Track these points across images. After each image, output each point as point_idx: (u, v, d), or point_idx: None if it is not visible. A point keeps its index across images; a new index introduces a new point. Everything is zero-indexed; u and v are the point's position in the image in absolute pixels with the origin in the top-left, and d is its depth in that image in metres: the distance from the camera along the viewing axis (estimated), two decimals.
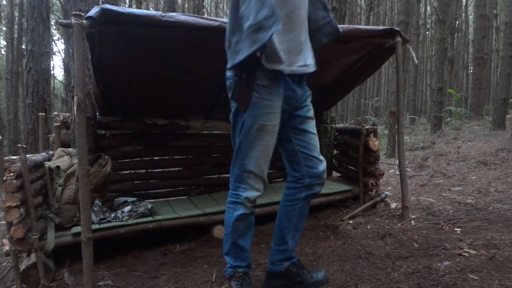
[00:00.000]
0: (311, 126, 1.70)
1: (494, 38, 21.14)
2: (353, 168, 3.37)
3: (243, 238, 1.63)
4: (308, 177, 1.67)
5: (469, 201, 3.04)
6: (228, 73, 1.57)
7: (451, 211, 2.80)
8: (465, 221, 2.53)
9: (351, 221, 2.76)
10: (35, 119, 5.03)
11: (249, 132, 1.53)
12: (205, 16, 5.61)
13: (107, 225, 2.30)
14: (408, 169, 4.60)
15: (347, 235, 2.44)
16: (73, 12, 1.73)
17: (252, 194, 1.60)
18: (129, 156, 3.27)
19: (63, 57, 14.81)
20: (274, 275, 1.72)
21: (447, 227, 2.43)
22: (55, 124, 2.87)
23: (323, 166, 1.69)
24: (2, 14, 15.50)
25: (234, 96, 1.54)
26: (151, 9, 17.74)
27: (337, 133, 3.71)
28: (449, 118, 9.00)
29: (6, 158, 2.04)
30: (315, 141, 1.70)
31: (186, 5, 18.72)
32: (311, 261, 2.05)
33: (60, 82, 18.56)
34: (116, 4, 3.40)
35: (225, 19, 2.00)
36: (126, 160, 3.28)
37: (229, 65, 1.54)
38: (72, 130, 2.90)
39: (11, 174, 1.88)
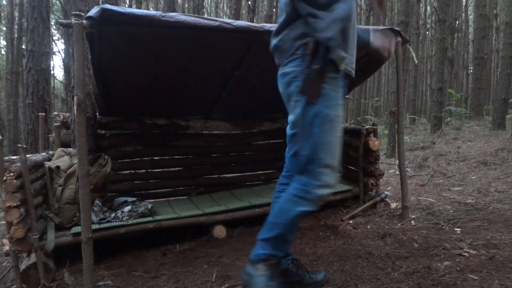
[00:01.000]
0: None
1: (494, 38, 21.14)
2: (353, 168, 3.37)
3: (293, 232, 1.63)
4: None
5: (469, 201, 3.04)
6: (288, 69, 1.54)
7: (451, 211, 2.80)
8: (465, 221, 2.53)
9: (351, 221, 2.76)
10: (35, 119, 5.03)
11: (324, 124, 1.49)
12: (205, 16, 5.61)
13: (107, 225, 2.30)
14: (408, 169, 4.60)
15: (347, 235, 2.44)
16: (73, 12, 1.73)
17: (326, 192, 1.53)
18: (129, 156, 3.27)
19: (63, 57, 14.82)
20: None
21: (447, 227, 2.43)
22: (55, 124, 2.87)
23: None
24: (2, 14, 15.50)
25: (304, 89, 1.49)
26: (151, 9, 17.74)
27: None
28: (449, 118, 9.00)
29: (6, 158, 2.04)
30: None
31: (186, 5, 18.73)
32: (311, 261, 2.05)
33: (60, 82, 18.56)
34: (116, 4, 3.40)
35: (225, 19, 1.99)
36: (126, 160, 3.28)
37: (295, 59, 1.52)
38: (72, 130, 2.90)
39: (11, 174, 1.88)
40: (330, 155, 1.51)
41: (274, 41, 1.61)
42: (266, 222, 1.60)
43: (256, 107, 3.55)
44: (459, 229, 2.37)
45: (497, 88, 9.34)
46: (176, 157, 3.48)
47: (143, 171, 3.36)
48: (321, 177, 1.50)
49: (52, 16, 14.08)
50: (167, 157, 3.44)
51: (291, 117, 1.63)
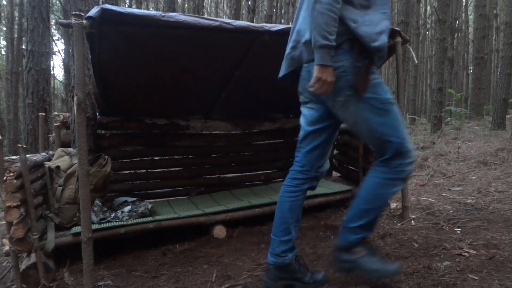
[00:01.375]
0: None
1: (494, 38, 21.14)
2: (353, 168, 3.37)
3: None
4: (315, 171, 1.74)
5: (469, 201, 3.04)
6: (337, 63, 1.52)
7: (451, 211, 2.80)
8: (465, 221, 2.53)
9: None
10: (35, 119, 5.03)
11: (386, 110, 1.56)
12: (205, 16, 5.61)
13: (107, 225, 2.30)
14: None
15: None
16: (73, 12, 1.73)
17: (412, 168, 1.64)
18: (129, 156, 3.27)
19: (63, 57, 14.81)
20: (277, 268, 1.70)
21: (447, 227, 2.43)
22: (55, 124, 2.87)
23: (328, 164, 1.82)
24: (2, 14, 15.50)
25: (354, 83, 1.52)
26: (151, 9, 17.74)
27: (337, 133, 3.70)
28: (449, 118, 8.99)
29: (6, 158, 2.04)
30: None
31: (186, 5, 18.73)
32: (311, 261, 2.05)
33: (60, 82, 18.56)
34: (116, 4, 3.41)
35: (225, 19, 1.99)
36: (126, 160, 3.28)
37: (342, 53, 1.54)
38: (72, 130, 2.90)
39: (11, 174, 1.88)
40: (405, 134, 1.60)
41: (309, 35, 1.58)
42: (355, 209, 1.67)
43: (256, 107, 3.55)
44: (459, 229, 2.37)
45: (497, 88, 9.34)
46: (176, 157, 3.48)
47: (143, 171, 3.36)
48: (407, 154, 1.59)
49: (52, 16, 14.08)
50: (167, 157, 3.44)
51: (312, 115, 1.71)
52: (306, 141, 1.76)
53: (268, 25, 2.20)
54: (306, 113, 1.75)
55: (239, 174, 3.81)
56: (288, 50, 1.73)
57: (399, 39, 2.58)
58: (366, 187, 1.68)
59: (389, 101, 1.58)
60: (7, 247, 2.04)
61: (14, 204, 1.87)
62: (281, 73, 1.77)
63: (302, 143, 1.78)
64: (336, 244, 1.73)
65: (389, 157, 1.60)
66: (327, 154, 1.79)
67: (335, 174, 3.80)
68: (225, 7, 22.23)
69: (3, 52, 18.66)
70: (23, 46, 11.01)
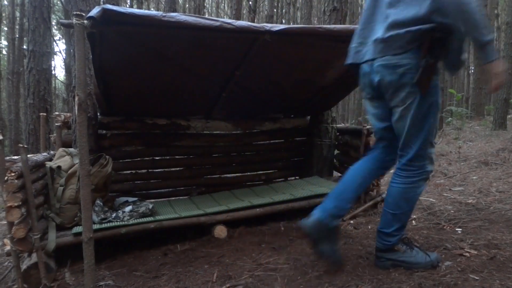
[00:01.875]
0: None
1: (495, 38, 21.10)
2: None
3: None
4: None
5: (470, 201, 3.04)
6: (402, 60, 1.62)
7: (452, 211, 2.79)
8: (466, 221, 2.52)
9: (352, 221, 2.75)
10: (36, 119, 5.05)
11: (435, 112, 1.69)
12: (206, 16, 5.61)
13: (108, 225, 2.30)
14: None
15: (348, 235, 2.44)
16: (74, 12, 1.73)
17: (432, 168, 1.78)
18: (130, 156, 3.28)
19: (64, 57, 14.82)
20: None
21: (448, 227, 2.43)
22: (56, 124, 2.87)
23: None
24: (4, 14, 15.51)
25: (420, 81, 1.61)
26: (152, 9, 17.75)
27: (338, 133, 3.71)
28: (450, 118, 8.96)
29: (8, 158, 2.04)
30: None
31: (187, 5, 18.73)
32: (312, 261, 2.05)
33: (61, 82, 18.58)
34: (117, 4, 3.41)
35: (226, 19, 1.99)
36: (127, 160, 3.28)
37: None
38: (73, 130, 2.90)
39: (13, 174, 1.88)
40: (435, 136, 1.75)
41: (389, 33, 1.65)
42: (388, 215, 1.80)
43: (257, 107, 3.55)
44: (460, 229, 2.37)
45: None
46: (177, 157, 3.48)
47: (144, 171, 3.36)
48: (431, 155, 1.74)
49: (53, 16, 14.09)
50: (168, 157, 3.44)
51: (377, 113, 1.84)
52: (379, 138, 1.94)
53: (269, 25, 2.20)
54: (371, 111, 1.90)
55: (239, 174, 3.81)
56: (354, 43, 1.86)
57: None
58: (392, 195, 1.80)
59: (439, 104, 1.70)
60: (8, 247, 2.04)
61: (15, 204, 1.87)
62: (348, 61, 1.90)
63: (379, 142, 1.94)
64: (376, 247, 1.86)
65: (411, 157, 1.72)
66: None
67: (336, 174, 3.80)
68: (226, 7, 22.23)
69: (4, 52, 18.68)
70: (24, 46, 11.03)
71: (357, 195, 1.92)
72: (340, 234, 1.90)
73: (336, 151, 3.77)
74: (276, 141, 3.89)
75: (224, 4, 22.76)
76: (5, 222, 2.04)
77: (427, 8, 1.55)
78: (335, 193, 1.87)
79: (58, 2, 14.72)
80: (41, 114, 3.20)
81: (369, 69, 1.75)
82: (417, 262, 1.78)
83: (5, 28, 16.44)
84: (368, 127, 3.12)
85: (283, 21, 16.12)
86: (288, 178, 3.93)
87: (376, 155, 1.93)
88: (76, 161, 2.41)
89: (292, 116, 3.87)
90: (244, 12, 15.05)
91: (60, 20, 2.47)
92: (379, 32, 1.69)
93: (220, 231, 2.57)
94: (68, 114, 3.01)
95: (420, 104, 1.65)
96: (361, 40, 1.81)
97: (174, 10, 9.39)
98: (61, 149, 2.57)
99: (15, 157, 2.09)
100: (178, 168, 3.52)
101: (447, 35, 1.57)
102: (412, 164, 1.74)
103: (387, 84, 1.68)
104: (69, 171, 2.40)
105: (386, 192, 1.87)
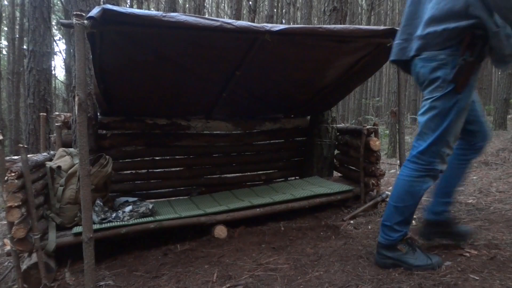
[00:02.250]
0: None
1: None
2: (354, 168, 3.37)
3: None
4: (481, 141, 1.88)
5: (470, 201, 3.04)
6: (439, 55, 1.61)
7: (452, 211, 2.79)
8: (466, 221, 2.52)
9: (352, 221, 2.75)
10: (36, 119, 5.04)
11: (461, 111, 1.65)
12: (206, 16, 5.60)
13: (108, 225, 2.30)
14: None
15: (348, 235, 2.44)
16: (74, 12, 1.73)
17: (445, 167, 1.75)
18: (130, 156, 3.28)
19: (64, 57, 14.82)
20: (433, 223, 1.95)
21: None
22: (56, 124, 2.87)
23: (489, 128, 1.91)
24: (4, 14, 15.50)
25: (456, 78, 1.59)
26: (152, 9, 17.75)
27: (338, 133, 3.71)
28: None
29: (8, 158, 2.04)
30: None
31: (187, 5, 18.73)
32: (312, 261, 2.05)
33: (62, 82, 18.57)
34: (117, 4, 3.41)
35: (226, 19, 1.99)
36: (127, 160, 3.28)
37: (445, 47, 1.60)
38: (73, 130, 2.90)
39: (13, 174, 1.88)
40: (454, 137, 1.71)
41: (427, 30, 1.65)
42: (391, 207, 1.81)
43: (257, 107, 3.55)
44: None
45: (498, 88, 9.32)
46: (177, 157, 3.48)
47: (144, 171, 3.36)
48: (444, 155, 1.71)
49: (53, 16, 14.09)
50: (168, 157, 3.44)
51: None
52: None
53: (269, 25, 2.20)
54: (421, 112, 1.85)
55: (240, 174, 3.82)
56: (398, 40, 1.85)
57: None
58: (397, 186, 1.79)
59: (466, 106, 1.66)
60: (8, 247, 2.04)
61: (16, 204, 1.87)
62: (391, 57, 1.90)
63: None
64: (378, 242, 1.86)
65: (422, 150, 1.71)
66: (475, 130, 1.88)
67: (336, 174, 3.80)
68: (226, 7, 22.23)
69: (4, 52, 18.67)
70: (24, 46, 11.03)
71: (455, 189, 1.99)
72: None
73: (336, 151, 3.78)
74: (276, 141, 3.89)
75: (224, 4, 22.76)
76: (5, 222, 2.04)
77: (464, 1, 1.53)
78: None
79: (58, 2, 14.73)
80: (41, 114, 3.21)
81: (412, 65, 1.76)
82: (418, 265, 1.77)
83: (5, 28, 16.44)
84: (368, 127, 3.12)
85: (283, 21, 16.12)
86: (288, 178, 3.93)
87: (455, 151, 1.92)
88: (76, 161, 2.41)
89: (292, 116, 3.87)
90: (244, 12, 15.05)
91: (60, 20, 2.47)
92: (420, 28, 1.69)
93: (220, 231, 2.57)
94: (68, 114, 3.02)
95: (446, 99, 1.63)
96: (405, 37, 1.81)
97: (174, 10, 9.40)
98: (61, 149, 2.57)
99: (15, 157, 2.09)
100: (178, 168, 3.52)
101: (488, 32, 1.54)
102: (421, 157, 1.72)
103: (421, 76, 1.70)
104: (69, 171, 2.40)
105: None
